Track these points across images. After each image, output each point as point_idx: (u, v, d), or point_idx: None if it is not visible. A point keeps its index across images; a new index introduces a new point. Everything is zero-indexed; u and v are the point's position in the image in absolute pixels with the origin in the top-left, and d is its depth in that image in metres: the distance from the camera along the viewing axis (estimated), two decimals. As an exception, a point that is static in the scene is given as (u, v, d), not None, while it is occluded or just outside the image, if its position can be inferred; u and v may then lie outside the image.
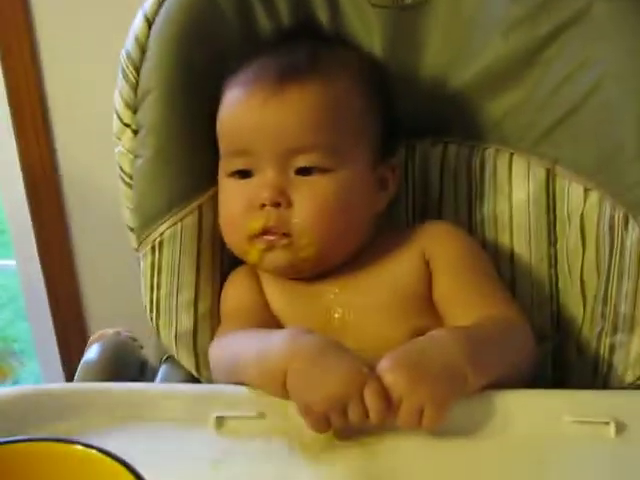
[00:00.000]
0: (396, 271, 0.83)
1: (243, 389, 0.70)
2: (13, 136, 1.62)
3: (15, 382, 2.54)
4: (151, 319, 0.87)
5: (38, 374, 2.55)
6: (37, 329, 1.90)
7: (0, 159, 1.67)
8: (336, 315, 0.81)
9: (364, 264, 0.83)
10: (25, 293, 1.86)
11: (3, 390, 0.71)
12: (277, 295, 0.84)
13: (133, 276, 1.71)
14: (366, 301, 0.81)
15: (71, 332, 1.81)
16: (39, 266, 1.75)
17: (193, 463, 0.63)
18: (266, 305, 0.84)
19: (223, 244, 0.86)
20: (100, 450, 0.49)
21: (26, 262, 1.78)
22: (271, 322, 0.82)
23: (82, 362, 0.87)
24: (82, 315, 1.78)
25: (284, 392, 0.66)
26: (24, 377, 2.54)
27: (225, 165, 0.82)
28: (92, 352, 0.89)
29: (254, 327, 0.79)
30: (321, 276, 0.83)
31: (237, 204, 0.80)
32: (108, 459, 0.49)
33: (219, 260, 0.87)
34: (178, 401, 0.70)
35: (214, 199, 0.85)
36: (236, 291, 0.85)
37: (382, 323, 0.80)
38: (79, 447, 0.50)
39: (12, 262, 1.97)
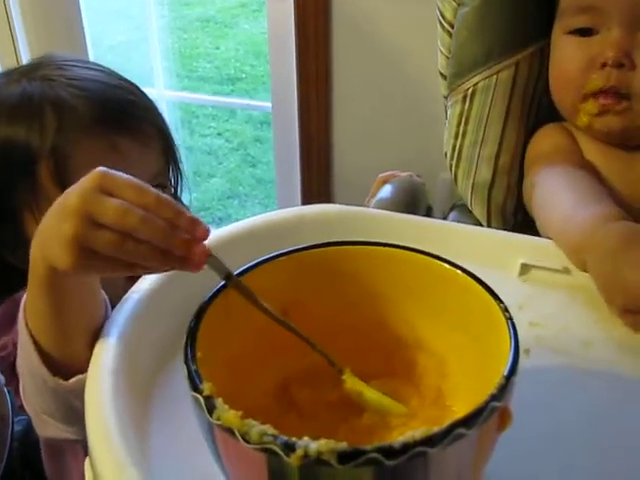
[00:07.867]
0: None
1: (551, 243, 0.71)
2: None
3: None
4: (450, 166, 0.90)
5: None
6: (282, 170, 1.98)
7: None
8: None
9: None
10: (276, 136, 1.94)
11: (311, 207, 0.72)
12: (592, 155, 0.83)
13: (383, 133, 1.75)
14: None
15: (316, 175, 1.88)
16: (296, 110, 1.81)
17: (499, 302, 0.66)
18: (581, 153, 0.82)
19: (531, 104, 0.86)
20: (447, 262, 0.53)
21: (282, 106, 1.85)
22: (588, 167, 0.80)
23: (376, 199, 0.92)
24: (329, 164, 1.84)
25: (583, 267, 0.65)
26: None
27: (565, 22, 0.81)
28: (386, 191, 0.93)
29: (572, 167, 0.79)
30: None
31: (575, 62, 0.79)
32: (451, 268, 0.53)
33: (526, 118, 0.87)
34: (487, 243, 0.72)
35: (532, 57, 0.85)
36: (550, 137, 0.85)
37: None
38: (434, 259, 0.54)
39: (265, 104, 2.04)
